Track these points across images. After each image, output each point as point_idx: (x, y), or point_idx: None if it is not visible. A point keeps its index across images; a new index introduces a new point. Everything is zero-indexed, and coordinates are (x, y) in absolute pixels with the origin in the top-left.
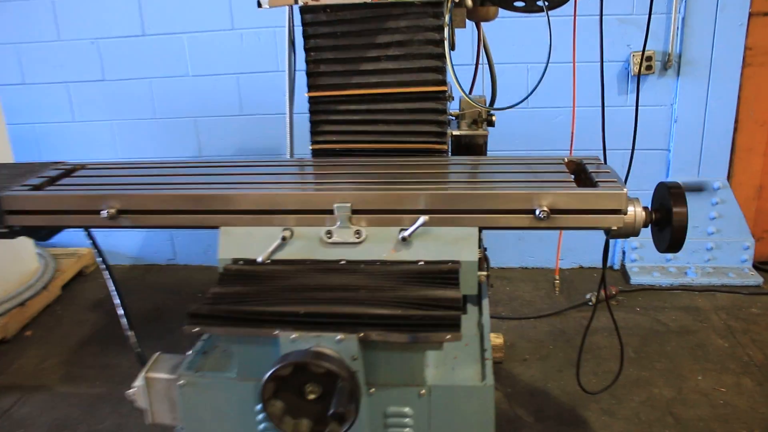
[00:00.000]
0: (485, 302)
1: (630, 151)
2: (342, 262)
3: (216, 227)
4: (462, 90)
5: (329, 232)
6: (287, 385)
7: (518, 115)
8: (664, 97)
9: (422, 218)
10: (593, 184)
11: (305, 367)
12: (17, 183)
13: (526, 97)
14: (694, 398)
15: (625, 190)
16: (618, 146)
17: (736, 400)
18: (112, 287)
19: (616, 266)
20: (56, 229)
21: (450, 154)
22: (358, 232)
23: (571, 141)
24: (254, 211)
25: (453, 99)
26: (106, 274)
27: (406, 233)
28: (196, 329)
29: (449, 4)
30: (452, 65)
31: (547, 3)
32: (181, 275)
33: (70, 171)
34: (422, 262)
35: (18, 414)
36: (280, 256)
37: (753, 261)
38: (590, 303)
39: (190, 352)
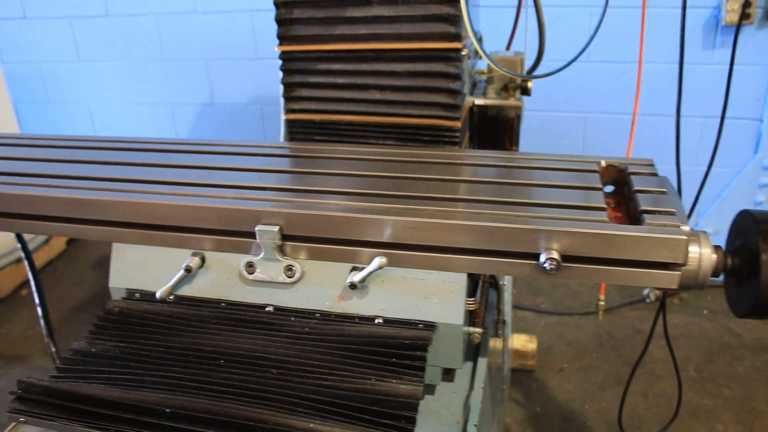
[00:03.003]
0: (482, 366)
1: (711, 119)
2: (268, 309)
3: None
4: (480, 48)
5: (251, 265)
6: None
7: (574, 69)
8: (762, 53)
9: (377, 260)
10: (636, 213)
11: None
12: None
13: (572, 61)
14: None
15: (686, 230)
16: (696, 112)
17: None
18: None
19: None
20: None
21: (474, 129)
22: (290, 268)
23: (635, 106)
24: (149, 226)
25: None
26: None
27: (355, 277)
28: (22, 420)
29: None
30: (467, 10)
31: None
32: None
33: None
34: (380, 320)
35: None
36: (187, 291)
37: None
38: (648, 300)
39: None
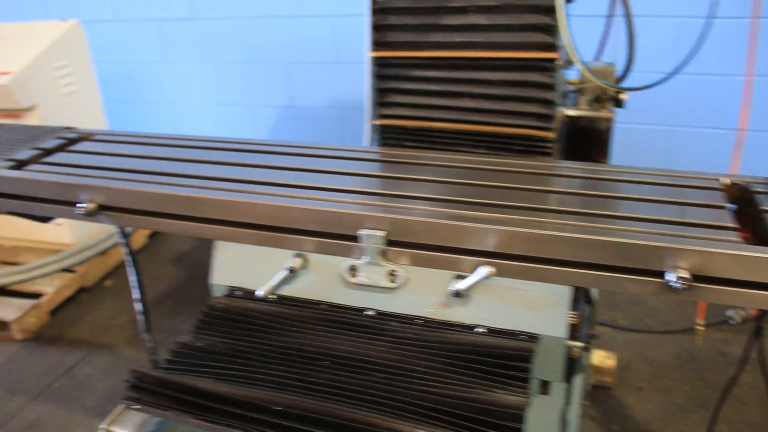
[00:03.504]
0: (578, 380)
1: None
2: (368, 313)
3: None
4: (577, 58)
5: (354, 268)
6: None
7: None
8: None
9: (483, 269)
10: (766, 232)
11: None
12: (3, 155)
13: (674, 73)
14: None
15: None
16: None
17: None
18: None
19: None
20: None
21: (563, 140)
22: (393, 274)
23: (742, 121)
24: (255, 225)
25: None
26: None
27: (460, 285)
28: (137, 407)
29: None
30: (567, 21)
31: None
32: None
33: (73, 141)
34: (483, 329)
35: (80, 374)
36: (288, 291)
37: None
38: (731, 322)
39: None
